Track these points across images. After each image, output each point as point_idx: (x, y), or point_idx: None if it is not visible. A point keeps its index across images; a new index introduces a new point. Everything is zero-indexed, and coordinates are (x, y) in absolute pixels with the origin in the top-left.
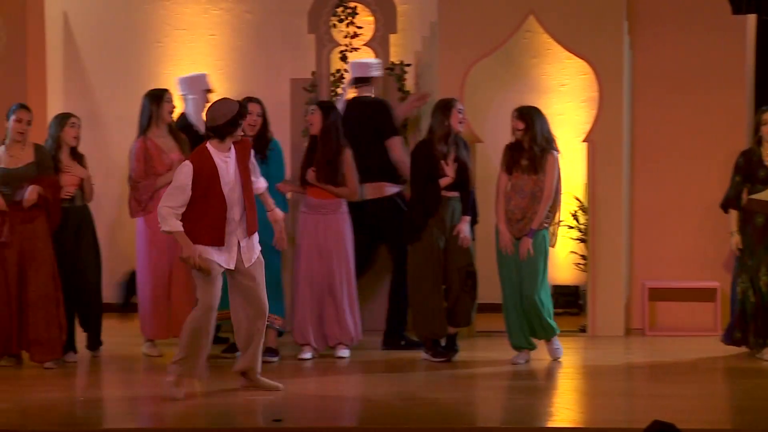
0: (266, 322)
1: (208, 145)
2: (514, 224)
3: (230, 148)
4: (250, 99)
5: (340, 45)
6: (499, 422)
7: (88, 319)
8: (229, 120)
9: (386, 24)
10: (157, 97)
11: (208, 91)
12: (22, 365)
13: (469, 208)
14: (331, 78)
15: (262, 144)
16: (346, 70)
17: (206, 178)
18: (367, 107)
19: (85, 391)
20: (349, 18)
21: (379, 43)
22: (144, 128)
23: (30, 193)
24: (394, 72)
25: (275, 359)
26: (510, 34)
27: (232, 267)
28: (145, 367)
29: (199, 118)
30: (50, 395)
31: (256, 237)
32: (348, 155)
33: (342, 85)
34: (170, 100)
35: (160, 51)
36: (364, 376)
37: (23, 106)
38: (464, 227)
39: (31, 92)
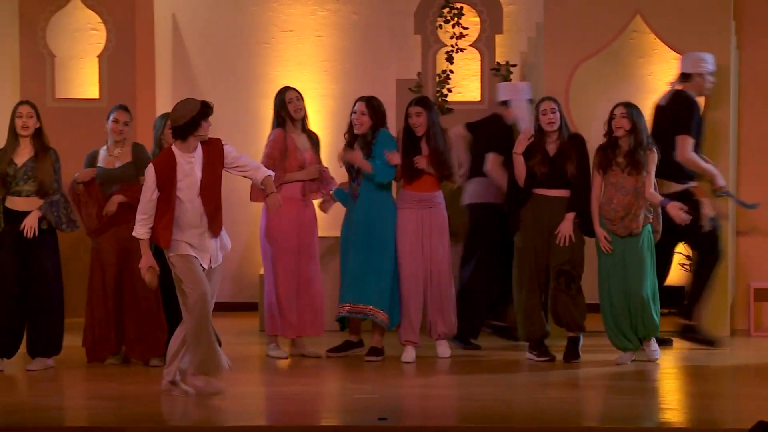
0: (370, 315)
1: (173, 146)
2: (617, 223)
3: (196, 148)
4: (360, 98)
5: (446, 45)
6: (603, 422)
7: None
8: (189, 120)
9: (492, 25)
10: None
11: (530, 100)
12: (130, 363)
13: (577, 205)
14: (437, 78)
15: (366, 141)
16: (451, 71)
17: (169, 179)
18: (672, 101)
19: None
20: (455, 19)
21: (484, 44)
22: (280, 124)
23: (109, 205)
24: (500, 72)
25: (379, 359)
26: (616, 34)
27: (213, 266)
28: (259, 366)
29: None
30: (154, 392)
31: (223, 238)
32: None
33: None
34: (293, 100)
35: (267, 52)
36: (468, 376)
37: (122, 107)
38: (564, 225)
39: (140, 93)
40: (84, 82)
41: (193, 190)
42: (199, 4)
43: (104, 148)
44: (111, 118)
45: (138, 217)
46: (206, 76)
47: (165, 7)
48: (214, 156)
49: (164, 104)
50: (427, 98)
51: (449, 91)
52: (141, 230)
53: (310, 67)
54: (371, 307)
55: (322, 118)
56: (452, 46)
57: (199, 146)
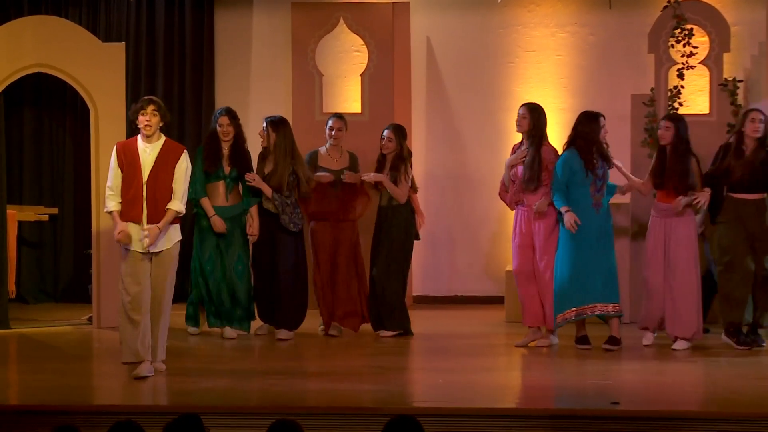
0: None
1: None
2: None
3: (158, 140)
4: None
5: (677, 63)
6: None
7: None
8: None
9: (720, 44)
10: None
11: None
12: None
13: None
14: (669, 93)
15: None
16: (682, 86)
17: (128, 159)
18: None
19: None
20: (686, 39)
21: (713, 62)
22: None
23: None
24: (727, 88)
25: (616, 347)
26: None
27: (139, 250)
28: (504, 352)
29: None
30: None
31: (170, 228)
32: (694, 164)
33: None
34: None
35: (511, 70)
36: (696, 364)
37: (338, 115)
38: None
39: (398, 106)
40: (348, 98)
41: (147, 176)
42: (451, 27)
43: (323, 149)
44: (329, 124)
45: (107, 190)
46: (457, 92)
47: (420, 30)
48: (170, 157)
49: (419, 118)
50: (678, 114)
51: (680, 104)
52: (108, 202)
53: (550, 84)
54: (599, 304)
55: (561, 129)
56: (683, 63)
57: (164, 142)
